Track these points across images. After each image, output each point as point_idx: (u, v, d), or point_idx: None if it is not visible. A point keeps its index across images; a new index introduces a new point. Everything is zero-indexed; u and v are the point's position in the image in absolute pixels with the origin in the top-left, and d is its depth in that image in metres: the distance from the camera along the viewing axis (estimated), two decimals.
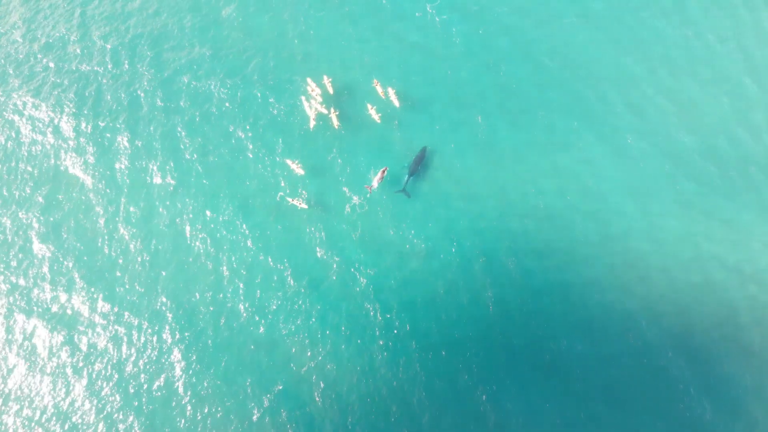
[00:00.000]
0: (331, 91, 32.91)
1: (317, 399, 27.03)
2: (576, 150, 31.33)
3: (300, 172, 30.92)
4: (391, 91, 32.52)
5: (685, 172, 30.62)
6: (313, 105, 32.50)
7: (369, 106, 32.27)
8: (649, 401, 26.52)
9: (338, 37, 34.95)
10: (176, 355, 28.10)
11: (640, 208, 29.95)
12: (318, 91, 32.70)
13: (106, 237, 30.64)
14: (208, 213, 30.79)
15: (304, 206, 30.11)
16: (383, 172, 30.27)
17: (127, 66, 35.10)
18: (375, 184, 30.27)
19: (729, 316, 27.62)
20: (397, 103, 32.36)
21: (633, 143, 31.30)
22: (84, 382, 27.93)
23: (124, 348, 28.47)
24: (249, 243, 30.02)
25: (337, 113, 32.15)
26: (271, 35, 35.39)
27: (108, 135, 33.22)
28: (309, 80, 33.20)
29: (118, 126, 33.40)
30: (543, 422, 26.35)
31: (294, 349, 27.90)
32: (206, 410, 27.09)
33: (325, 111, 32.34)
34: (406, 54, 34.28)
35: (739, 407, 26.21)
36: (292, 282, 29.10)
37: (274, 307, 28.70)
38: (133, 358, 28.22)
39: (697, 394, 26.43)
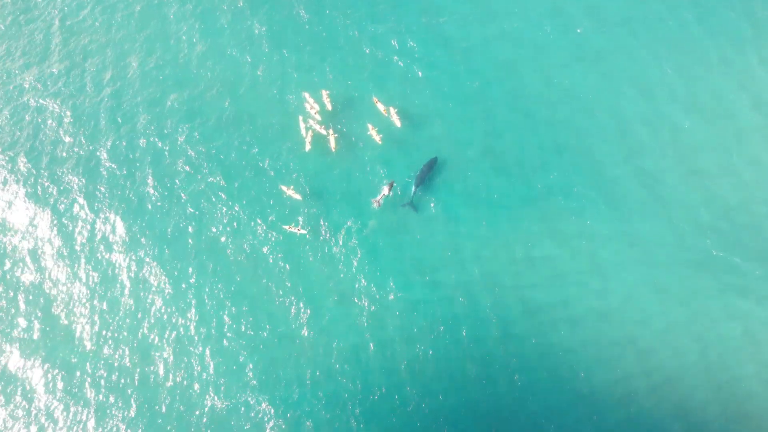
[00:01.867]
0: (329, 107, 31.06)
1: None
2: (573, 200, 29.64)
3: (297, 197, 29.29)
4: (392, 111, 30.86)
5: (694, 230, 29.03)
6: (310, 124, 30.78)
7: (370, 126, 30.61)
8: None
9: (326, 63, 32.84)
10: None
11: (642, 273, 28.38)
12: (316, 108, 30.91)
13: (59, 299, 28.26)
14: (176, 268, 28.59)
15: (303, 232, 28.64)
16: (390, 186, 29.11)
17: (87, 118, 31.96)
18: (380, 199, 29.12)
19: (741, 395, 26.46)
20: (398, 123, 30.80)
21: (634, 196, 29.69)
22: None
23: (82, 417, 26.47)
24: (221, 299, 28.04)
25: (336, 135, 30.49)
26: (256, 61, 32.98)
27: (62, 185, 30.46)
28: (306, 95, 31.31)
29: (74, 177, 30.60)
30: None
31: (266, 418, 26.10)
32: None
33: (323, 131, 30.63)
34: (396, 79, 32.53)
35: None
36: (265, 338, 27.29)
37: (245, 370, 26.81)
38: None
39: None
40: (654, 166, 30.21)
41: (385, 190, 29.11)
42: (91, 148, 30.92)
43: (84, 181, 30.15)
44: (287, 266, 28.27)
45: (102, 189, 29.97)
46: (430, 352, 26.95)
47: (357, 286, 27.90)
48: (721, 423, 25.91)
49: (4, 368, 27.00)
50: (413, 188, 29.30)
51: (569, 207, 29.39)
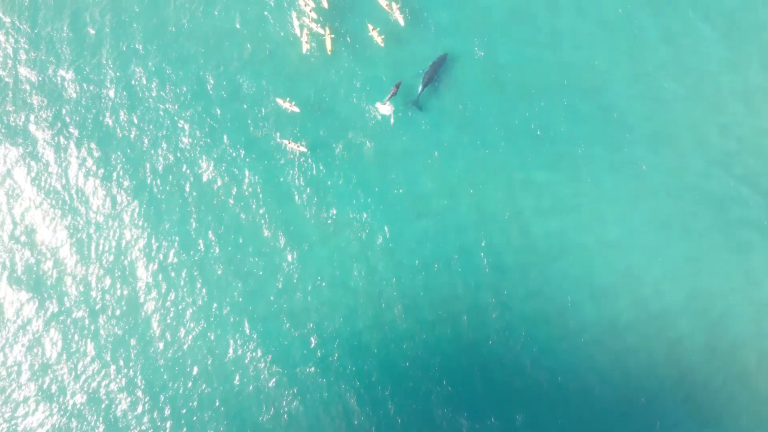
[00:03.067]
0: (326, 4, 27.64)
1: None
2: (577, 125, 27.71)
3: (295, 110, 27.07)
4: (395, 6, 27.77)
5: (704, 158, 27.48)
6: (304, 22, 27.64)
7: (370, 26, 27.64)
8: None
9: None
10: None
11: (645, 202, 27.47)
12: (311, 4, 27.57)
13: (42, 231, 26.49)
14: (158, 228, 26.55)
15: (303, 149, 26.86)
16: (396, 87, 27.21)
17: (45, 41, 27.67)
18: (387, 102, 27.22)
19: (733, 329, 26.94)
20: (402, 21, 27.86)
21: (644, 120, 27.99)
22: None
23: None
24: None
25: (333, 36, 27.57)
26: None
27: (28, 111, 27.26)
28: None
29: (38, 98, 27.19)
30: None
31: (261, 370, 25.73)
32: None
33: (320, 30, 27.57)
34: None
35: None
36: (255, 264, 26.28)
37: (236, 299, 26.10)
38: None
39: None
40: (669, 86, 28.25)
41: (392, 92, 27.06)
42: (54, 70, 27.25)
43: (49, 106, 26.98)
44: (279, 188, 26.67)
45: (70, 116, 26.97)
46: (421, 280, 26.50)
47: (350, 213, 26.64)
48: (707, 354, 26.66)
49: None
50: (420, 86, 27.49)
51: (573, 132, 27.73)
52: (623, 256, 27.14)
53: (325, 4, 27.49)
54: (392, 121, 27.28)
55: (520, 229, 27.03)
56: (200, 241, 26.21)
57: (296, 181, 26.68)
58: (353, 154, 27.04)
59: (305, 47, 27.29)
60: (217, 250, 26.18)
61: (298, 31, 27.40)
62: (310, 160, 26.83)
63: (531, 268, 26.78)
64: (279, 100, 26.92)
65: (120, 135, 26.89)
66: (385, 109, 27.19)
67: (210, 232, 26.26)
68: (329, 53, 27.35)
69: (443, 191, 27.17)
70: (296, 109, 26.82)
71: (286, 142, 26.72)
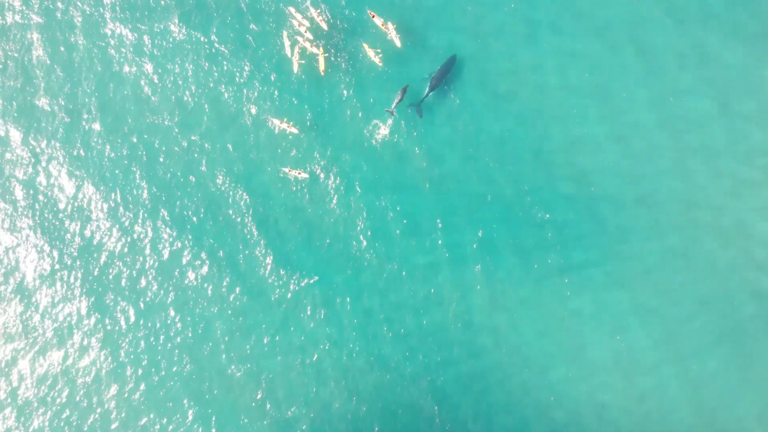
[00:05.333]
0: (322, 25, 26.89)
1: None
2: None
3: (293, 131, 26.02)
4: (391, 27, 27.12)
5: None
6: (299, 42, 26.75)
7: (366, 46, 26.95)
8: None
9: None
10: None
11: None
12: (306, 24, 26.70)
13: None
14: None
15: (305, 176, 25.80)
16: (403, 91, 26.41)
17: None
18: (393, 108, 26.57)
19: None
20: (398, 43, 27.22)
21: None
22: None
23: None
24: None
25: (326, 55, 26.74)
26: None
27: None
28: (293, 10, 26.75)
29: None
30: None
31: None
32: None
33: (314, 50, 26.69)
34: None
35: None
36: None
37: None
38: None
39: None
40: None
41: (399, 96, 26.37)
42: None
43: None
44: (274, 216, 25.79)
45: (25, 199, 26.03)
46: (397, 358, 25.61)
47: (327, 289, 25.82)
48: None
49: None
50: (427, 89, 26.74)
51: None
52: (613, 340, 26.24)
53: (324, 26, 26.67)
54: (390, 137, 26.27)
55: (507, 304, 26.07)
56: (165, 327, 25.24)
57: (294, 207, 25.61)
58: (346, 183, 25.90)
59: (296, 67, 26.39)
60: (179, 339, 25.12)
61: (288, 52, 26.50)
62: (307, 187, 25.68)
63: (515, 342, 25.84)
64: (276, 121, 25.83)
65: (75, 208, 25.83)
66: (383, 129, 26.32)
67: (172, 309, 25.29)
68: (322, 73, 26.48)
69: (424, 258, 26.15)
70: (294, 130, 25.75)
71: (285, 169, 25.63)
